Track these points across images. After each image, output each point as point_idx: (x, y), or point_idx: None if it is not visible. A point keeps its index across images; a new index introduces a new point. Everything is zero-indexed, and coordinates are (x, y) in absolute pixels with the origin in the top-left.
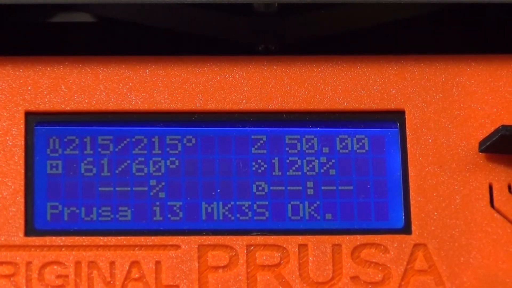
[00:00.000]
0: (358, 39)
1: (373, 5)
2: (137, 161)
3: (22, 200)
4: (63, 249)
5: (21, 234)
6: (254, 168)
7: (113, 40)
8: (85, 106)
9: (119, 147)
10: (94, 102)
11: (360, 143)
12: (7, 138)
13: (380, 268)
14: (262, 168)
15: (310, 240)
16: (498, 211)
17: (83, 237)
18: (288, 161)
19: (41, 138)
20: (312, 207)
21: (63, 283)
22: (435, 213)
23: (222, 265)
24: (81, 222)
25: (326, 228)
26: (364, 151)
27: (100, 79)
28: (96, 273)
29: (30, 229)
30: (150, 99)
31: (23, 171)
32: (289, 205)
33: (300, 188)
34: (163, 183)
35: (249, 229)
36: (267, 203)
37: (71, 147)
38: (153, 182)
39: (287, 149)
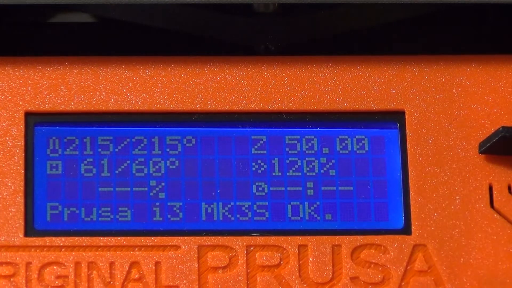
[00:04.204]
0: (358, 39)
1: (373, 5)
2: (137, 162)
3: (22, 200)
4: (63, 249)
5: (21, 235)
6: (254, 169)
7: (113, 40)
8: (85, 106)
9: (119, 147)
10: (94, 102)
11: (360, 144)
12: (7, 138)
13: (380, 268)
14: (262, 169)
15: (310, 240)
16: (498, 212)
17: (83, 238)
18: (288, 161)
19: (41, 139)
20: (312, 208)
21: (62, 284)
22: (435, 214)
23: (222, 265)
24: (81, 222)
25: (326, 228)
26: (364, 151)
27: (100, 79)
28: (96, 273)
29: (30, 230)
30: (150, 100)
31: (23, 171)
32: (289, 206)
33: (300, 188)
34: (163, 184)
35: (249, 230)
36: (267, 203)
37: (71, 148)
38: (153, 183)
39: (287, 149)
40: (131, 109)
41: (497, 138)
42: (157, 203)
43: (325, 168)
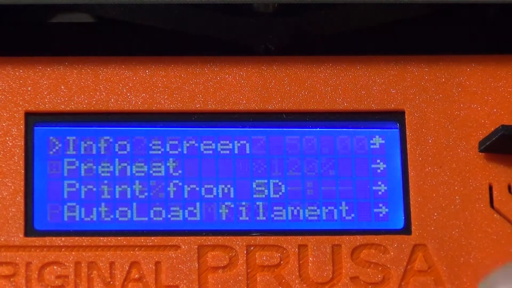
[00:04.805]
0: (358, 39)
1: (373, 5)
2: (137, 162)
3: (22, 200)
4: (63, 249)
5: (21, 235)
6: (254, 169)
7: (113, 40)
8: (85, 106)
9: (119, 147)
10: (94, 102)
11: (360, 144)
12: (7, 138)
13: (380, 268)
14: (262, 169)
15: (310, 240)
16: (498, 212)
17: (83, 238)
18: (288, 161)
19: (41, 139)
20: (312, 208)
21: (63, 284)
22: (435, 214)
23: (222, 265)
24: (81, 222)
25: (326, 228)
26: (364, 151)
27: (100, 79)
28: (96, 273)
29: (30, 230)
30: (150, 100)
31: (23, 171)
32: (289, 206)
33: (300, 188)
34: (163, 184)
35: (249, 230)
36: (267, 203)
37: (71, 148)
38: (153, 183)
39: (287, 149)
40: (131, 109)
41: (497, 136)
42: (157, 203)
43: (325, 168)
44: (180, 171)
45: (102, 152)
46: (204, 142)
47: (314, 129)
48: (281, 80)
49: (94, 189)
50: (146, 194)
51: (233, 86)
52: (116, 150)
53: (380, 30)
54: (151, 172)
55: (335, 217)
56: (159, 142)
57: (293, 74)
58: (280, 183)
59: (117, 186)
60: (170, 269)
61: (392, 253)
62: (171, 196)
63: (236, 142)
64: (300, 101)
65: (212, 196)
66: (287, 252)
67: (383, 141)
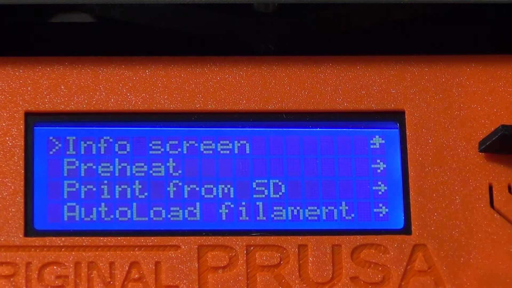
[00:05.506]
0: (358, 39)
1: (373, 5)
2: (137, 162)
3: (22, 200)
4: (62, 249)
5: (21, 235)
6: (254, 169)
7: (113, 40)
8: (85, 106)
9: (119, 147)
10: (94, 102)
11: (360, 143)
12: (7, 138)
13: (380, 268)
14: (262, 169)
15: (310, 240)
16: (498, 212)
17: (83, 238)
18: (287, 161)
19: (40, 139)
20: (312, 207)
21: (62, 284)
22: (435, 214)
23: (222, 265)
24: (81, 222)
25: (326, 228)
26: (364, 151)
27: (100, 79)
28: (96, 273)
29: (30, 230)
30: (150, 100)
31: (22, 171)
32: (289, 206)
33: (300, 188)
34: (163, 184)
35: (249, 230)
36: (267, 203)
37: (71, 148)
38: (153, 183)
39: (287, 149)
40: (131, 109)
41: (497, 136)
42: (157, 203)
43: (325, 168)
44: (180, 171)
45: (102, 152)
46: (204, 142)
47: (314, 129)
48: (281, 80)
49: (94, 189)
50: (146, 194)
51: (233, 86)
52: (116, 150)
53: (380, 30)
54: (151, 172)
55: (335, 217)
56: (159, 142)
57: (293, 74)
58: (280, 183)
59: (117, 186)
60: (170, 269)
61: (392, 253)
62: (171, 196)
63: (236, 142)
64: (300, 101)
65: (212, 196)
66: (287, 252)
67: (383, 141)
